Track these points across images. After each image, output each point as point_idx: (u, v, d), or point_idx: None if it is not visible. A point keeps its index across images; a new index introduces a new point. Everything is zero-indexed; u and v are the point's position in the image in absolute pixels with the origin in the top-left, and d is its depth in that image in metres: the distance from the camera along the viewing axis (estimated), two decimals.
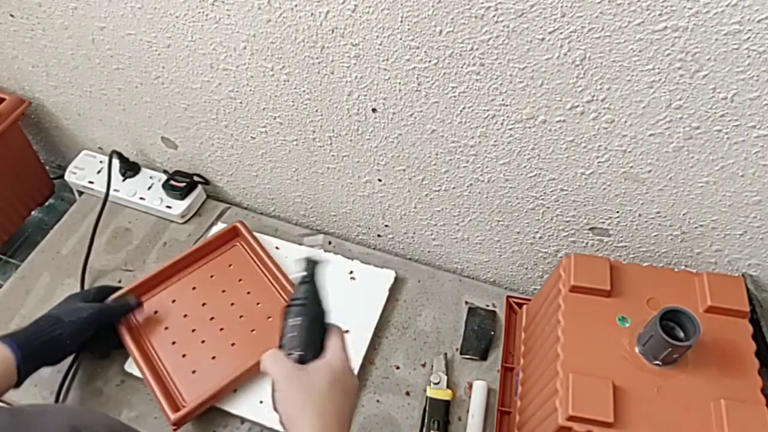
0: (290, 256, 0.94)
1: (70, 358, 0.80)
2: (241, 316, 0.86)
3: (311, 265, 0.58)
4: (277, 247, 0.96)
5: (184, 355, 0.82)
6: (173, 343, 0.83)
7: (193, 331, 0.84)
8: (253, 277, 0.90)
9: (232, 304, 0.87)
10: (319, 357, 0.55)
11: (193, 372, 0.80)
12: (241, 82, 0.81)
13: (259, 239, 0.93)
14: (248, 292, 0.88)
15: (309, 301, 0.57)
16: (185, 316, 0.86)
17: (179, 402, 0.77)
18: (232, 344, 0.83)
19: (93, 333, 0.76)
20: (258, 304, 0.87)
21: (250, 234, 0.93)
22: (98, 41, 0.85)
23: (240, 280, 0.90)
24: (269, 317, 0.85)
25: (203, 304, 0.87)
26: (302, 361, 0.54)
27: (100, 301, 0.81)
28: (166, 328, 0.85)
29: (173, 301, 0.88)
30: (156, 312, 0.87)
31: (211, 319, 0.86)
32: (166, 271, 0.90)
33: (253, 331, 0.84)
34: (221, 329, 0.85)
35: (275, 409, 0.53)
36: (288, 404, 0.52)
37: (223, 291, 0.89)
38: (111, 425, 0.53)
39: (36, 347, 0.70)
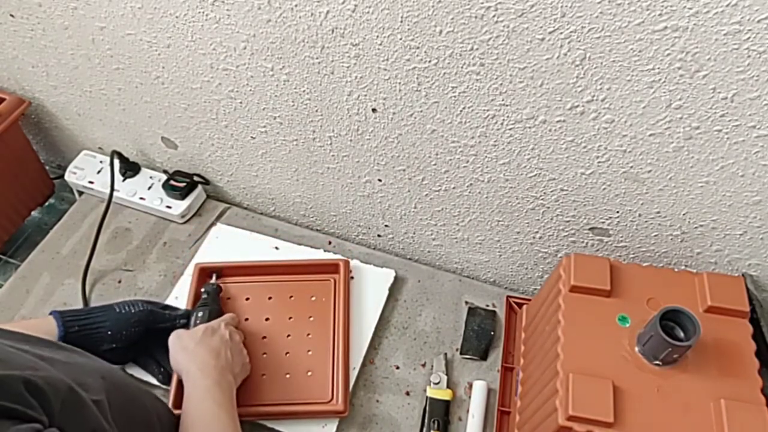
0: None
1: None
2: (287, 353, 0.83)
3: (212, 285, 0.86)
4: (276, 248, 0.96)
5: None
6: None
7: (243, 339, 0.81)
8: (322, 322, 0.86)
9: (289, 335, 0.85)
10: None
11: None
12: (241, 82, 0.81)
13: (349, 289, 0.89)
14: (308, 334, 0.85)
15: (209, 301, 0.83)
16: (246, 319, 0.86)
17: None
18: (263, 375, 0.80)
19: (140, 336, 0.75)
20: (309, 351, 0.83)
21: (347, 279, 0.89)
22: (98, 41, 0.85)
23: (310, 317, 0.86)
24: (309, 372, 0.81)
25: (266, 319, 0.86)
26: None
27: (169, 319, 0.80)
28: None
29: (247, 298, 0.88)
30: (228, 299, 0.88)
31: (263, 338, 0.84)
32: (261, 266, 0.90)
33: (287, 375, 0.81)
34: (264, 354, 0.82)
35: (172, 366, 0.72)
36: (174, 351, 0.72)
37: (290, 318, 0.86)
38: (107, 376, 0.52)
39: (78, 326, 0.69)
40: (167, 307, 0.82)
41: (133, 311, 0.75)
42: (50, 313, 0.69)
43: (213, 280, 0.88)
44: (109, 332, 0.72)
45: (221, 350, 0.72)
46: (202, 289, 0.85)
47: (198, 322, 0.78)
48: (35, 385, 0.39)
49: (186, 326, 0.79)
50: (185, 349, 0.71)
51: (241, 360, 0.75)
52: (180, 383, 0.74)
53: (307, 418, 0.79)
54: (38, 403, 0.39)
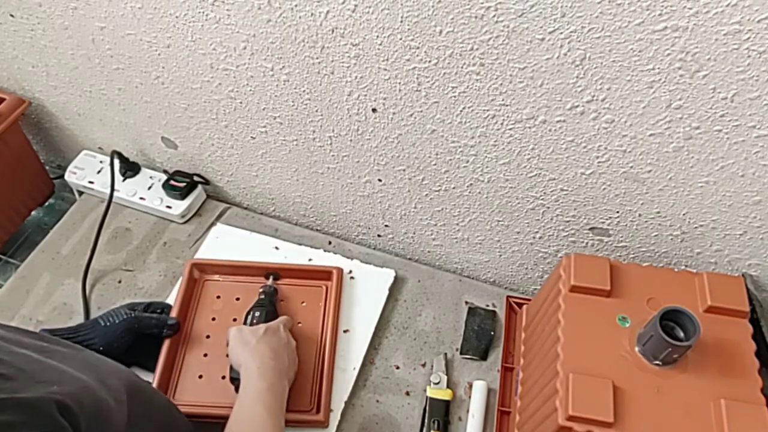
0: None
1: None
2: None
3: (270, 287, 0.87)
4: (276, 247, 0.96)
5: (205, 355, 0.81)
6: (207, 336, 0.82)
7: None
8: (310, 328, 0.85)
9: None
10: None
11: (200, 377, 0.79)
12: (241, 82, 0.81)
13: (342, 296, 0.88)
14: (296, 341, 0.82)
15: (266, 302, 0.84)
16: (234, 320, 0.85)
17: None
18: None
19: (131, 344, 0.74)
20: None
21: (339, 287, 0.88)
22: (98, 41, 0.85)
23: (299, 323, 0.85)
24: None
25: None
26: None
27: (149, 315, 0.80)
28: (213, 319, 0.84)
29: (237, 299, 0.87)
30: (218, 297, 0.87)
31: None
32: (257, 267, 0.89)
33: None
34: None
35: (231, 358, 0.73)
36: (234, 344, 0.72)
37: None
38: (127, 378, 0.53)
39: None
40: (151, 304, 0.82)
41: (117, 322, 0.74)
42: (40, 331, 0.68)
43: (270, 282, 0.88)
44: (101, 348, 0.71)
45: (280, 351, 0.72)
46: (260, 289, 0.86)
47: (255, 321, 0.79)
48: (66, 406, 0.39)
49: (174, 334, 0.80)
50: (247, 343, 0.71)
51: (294, 366, 0.76)
52: (165, 369, 0.77)
53: (287, 427, 0.77)
54: (69, 423, 0.39)
